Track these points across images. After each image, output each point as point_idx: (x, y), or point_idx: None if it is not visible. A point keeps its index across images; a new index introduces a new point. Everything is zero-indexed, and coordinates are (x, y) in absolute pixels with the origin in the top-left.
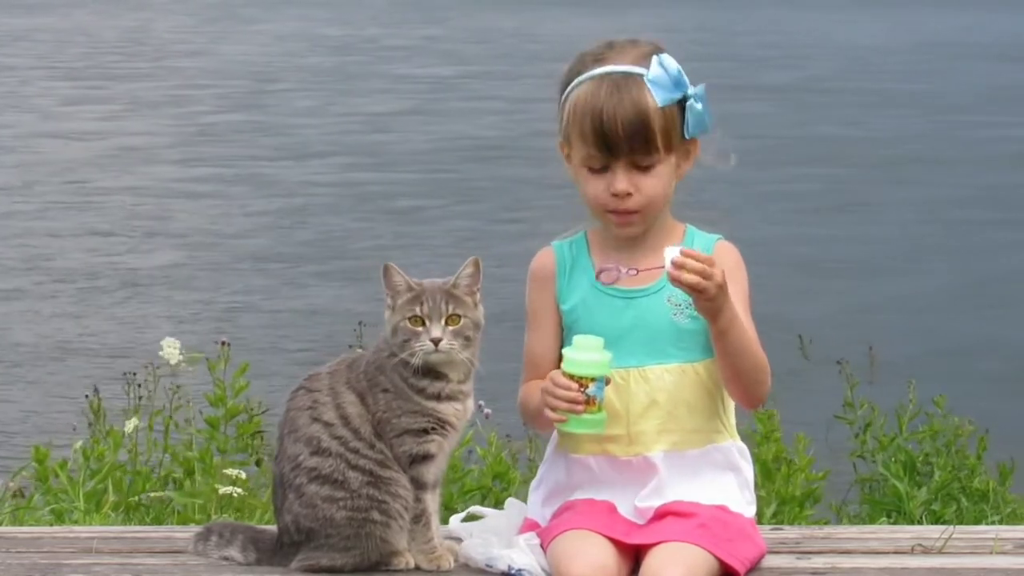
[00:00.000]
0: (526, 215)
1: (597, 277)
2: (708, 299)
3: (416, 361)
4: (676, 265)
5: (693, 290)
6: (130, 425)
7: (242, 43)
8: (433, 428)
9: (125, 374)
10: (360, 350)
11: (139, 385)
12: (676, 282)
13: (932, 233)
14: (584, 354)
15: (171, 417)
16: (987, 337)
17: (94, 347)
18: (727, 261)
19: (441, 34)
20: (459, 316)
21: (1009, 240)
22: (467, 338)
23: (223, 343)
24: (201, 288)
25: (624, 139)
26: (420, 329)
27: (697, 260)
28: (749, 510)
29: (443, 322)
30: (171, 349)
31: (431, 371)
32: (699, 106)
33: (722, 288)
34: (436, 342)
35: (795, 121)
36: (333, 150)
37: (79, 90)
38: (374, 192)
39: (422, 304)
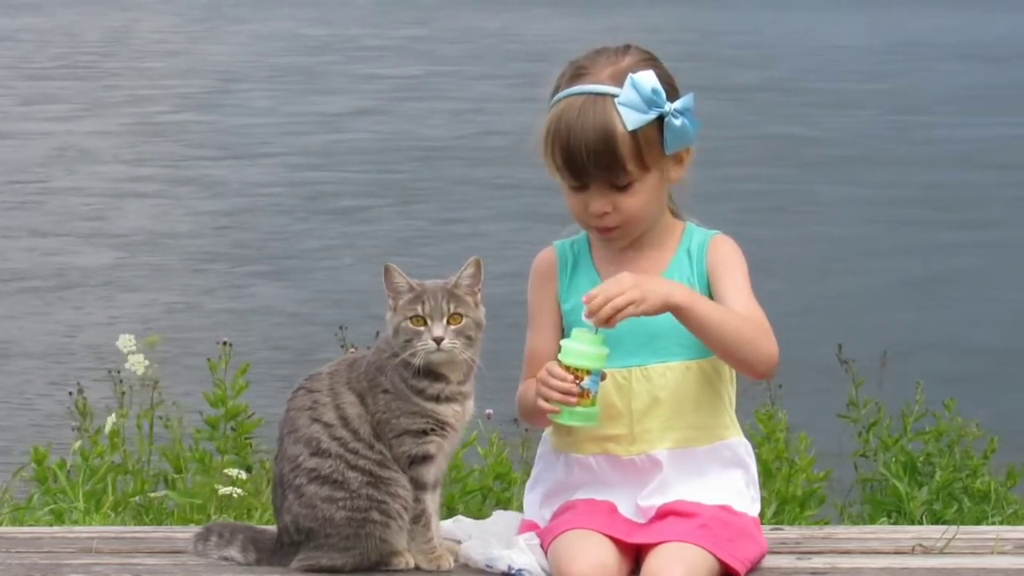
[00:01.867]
0: (469, 215)
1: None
2: (641, 302)
3: (418, 361)
4: (590, 316)
5: (623, 311)
6: (109, 423)
7: (221, 43)
8: (432, 429)
9: (110, 371)
10: (353, 350)
11: (121, 382)
12: (608, 322)
13: (875, 233)
14: (581, 345)
15: (164, 417)
16: (930, 337)
17: (34, 348)
18: (721, 252)
19: (423, 34)
20: (461, 315)
21: (951, 240)
22: (468, 338)
23: (224, 343)
24: (142, 288)
25: (591, 165)
26: (422, 328)
27: (596, 294)
28: (754, 508)
29: (445, 321)
30: (134, 359)
31: (431, 372)
32: (678, 122)
33: (640, 284)
34: (438, 341)
35: (751, 121)
36: (282, 150)
37: (42, 90)
38: (319, 192)
39: (423, 303)
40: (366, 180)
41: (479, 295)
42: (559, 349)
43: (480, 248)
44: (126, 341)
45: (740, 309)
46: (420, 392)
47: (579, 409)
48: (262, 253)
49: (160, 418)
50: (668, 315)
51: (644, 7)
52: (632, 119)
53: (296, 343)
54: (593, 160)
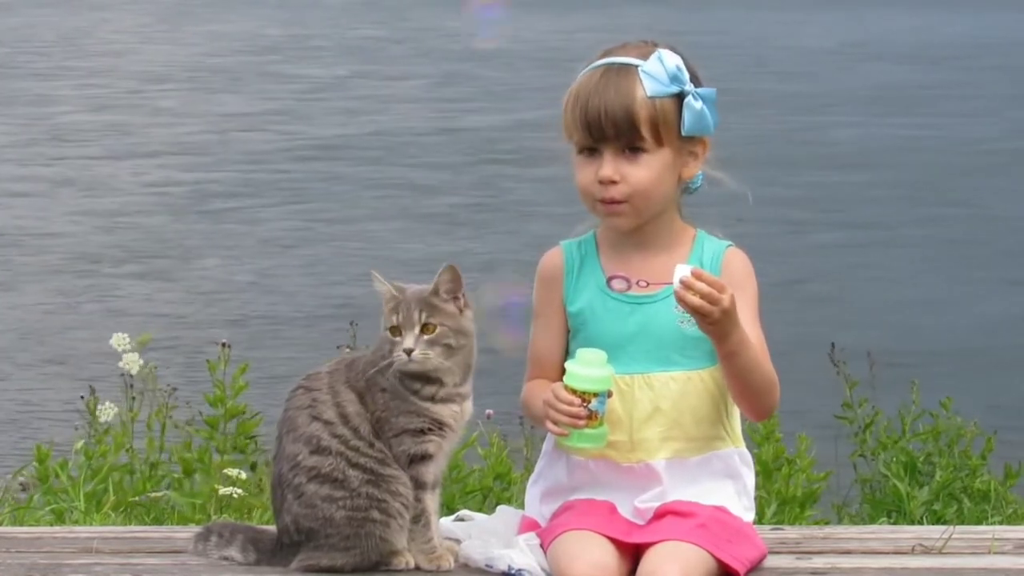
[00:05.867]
0: (350, 214)
1: (608, 283)
2: (711, 323)
3: (392, 370)
4: (684, 285)
5: (696, 313)
6: (110, 412)
7: (173, 43)
8: (430, 428)
9: (123, 375)
10: (348, 350)
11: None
12: (681, 302)
13: (747, 233)
14: (587, 369)
15: (170, 416)
16: (802, 337)
17: None
18: (736, 269)
19: (380, 34)
20: (434, 325)
21: (826, 241)
22: (447, 346)
23: (223, 344)
24: (15, 289)
25: (607, 123)
26: (397, 339)
27: (706, 283)
28: (747, 516)
29: (416, 331)
30: (129, 357)
31: (423, 376)
32: (698, 104)
33: (728, 314)
34: (408, 352)
35: None
36: (170, 150)
37: None
38: (200, 192)
39: (398, 313)
40: (249, 180)
41: (463, 300)
42: (564, 354)
43: (361, 247)
44: (120, 340)
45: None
46: (416, 392)
47: (587, 431)
48: (136, 253)
49: (170, 419)
50: (675, 325)
51: (619, 6)
52: (652, 86)
53: (169, 343)
54: (610, 119)
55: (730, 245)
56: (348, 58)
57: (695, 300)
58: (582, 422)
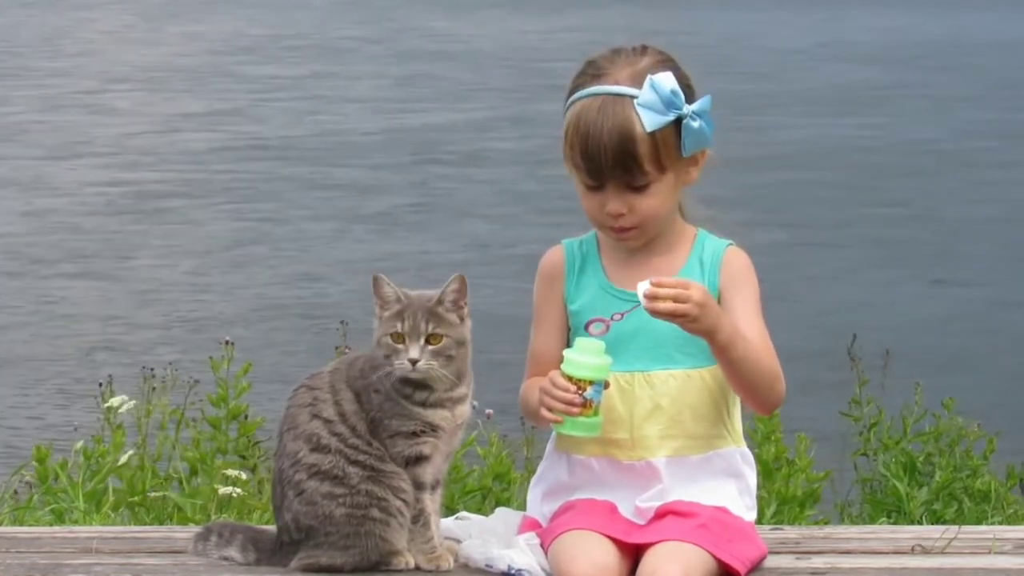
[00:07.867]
0: (291, 215)
1: (586, 328)
2: (691, 322)
3: (392, 378)
4: (649, 298)
5: (673, 317)
6: (117, 401)
7: (149, 43)
8: (423, 431)
9: (143, 368)
10: (348, 350)
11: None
12: (654, 314)
13: None
14: (584, 356)
15: (182, 414)
16: None
17: None
18: (736, 267)
19: (361, 35)
20: (440, 336)
21: (768, 241)
22: (448, 356)
23: (227, 342)
24: None
25: (610, 165)
26: (400, 347)
27: (669, 286)
28: (749, 515)
29: (422, 341)
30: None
31: (415, 381)
32: (695, 124)
33: (704, 307)
34: (413, 362)
35: None
36: (115, 150)
37: None
38: (142, 192)
39: (403, 320)
40: (190, 180)
41: (465, 310)
42: (563, 355)
43: (298, 247)
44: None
45: (752, 335)
46: (407, 397)
47: (581, 419)
48: (72, 253)
49: (192, 419)
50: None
51: (601, 7)
52: (651, 120)
53: (109, 344)
54: (611, 160)
55: (730, 244)
56: (319, 58)
57: (667, 306)
58: (576, 409)
